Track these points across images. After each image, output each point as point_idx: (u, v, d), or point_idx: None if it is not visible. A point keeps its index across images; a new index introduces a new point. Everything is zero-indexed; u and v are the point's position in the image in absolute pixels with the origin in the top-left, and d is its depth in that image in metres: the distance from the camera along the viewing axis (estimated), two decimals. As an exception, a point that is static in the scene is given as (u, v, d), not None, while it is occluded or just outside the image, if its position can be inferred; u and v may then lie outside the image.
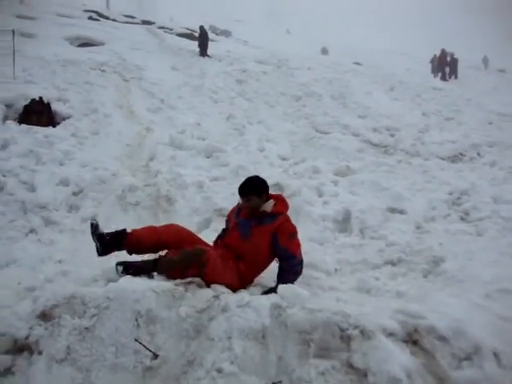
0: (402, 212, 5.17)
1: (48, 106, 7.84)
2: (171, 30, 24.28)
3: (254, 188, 3.45)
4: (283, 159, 7.41)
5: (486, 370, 2.35)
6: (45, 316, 2.71)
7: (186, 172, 5.98)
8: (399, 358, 2.35)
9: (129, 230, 3.41)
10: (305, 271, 3.63)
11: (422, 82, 16.43)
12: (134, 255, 3.44)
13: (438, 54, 22.62)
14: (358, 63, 21.36)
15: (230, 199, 5.14)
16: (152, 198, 5.30)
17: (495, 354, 2.42)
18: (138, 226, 4.73)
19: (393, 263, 4.12)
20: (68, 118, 7.88)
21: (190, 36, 22.26)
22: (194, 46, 17.45)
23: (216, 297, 2.86)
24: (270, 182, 3.83)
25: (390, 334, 2.51)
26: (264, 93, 12.02)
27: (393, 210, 5.20)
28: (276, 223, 3.34)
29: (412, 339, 2.51)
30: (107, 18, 24.53)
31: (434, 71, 22.52)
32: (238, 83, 12.86)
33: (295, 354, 2.46)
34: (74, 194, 5.32)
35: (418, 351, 2.46)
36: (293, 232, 3.43)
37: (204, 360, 2.50)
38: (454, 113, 11.76)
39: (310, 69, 15.65)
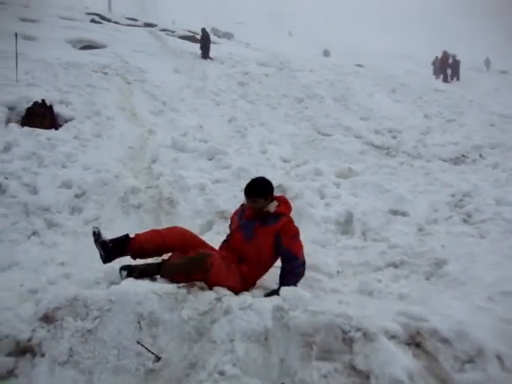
0: (404, 214, 5.17)
1: (50, 108, 7.85)
2: (173, 32, 24.31)
3: (260, 189, 3.46)
4: (285, 161, 7.41)
5: (489, 373, 2.34)
6: (47, 318, 2.71)
7: (188, 174, 5.98)
8: (401, 361, 2.34)
9: (132, 235, 3.40)
10: (307, 273, 3.63)
11: (424, 83, 16.42)
12: (138, 260, 3.44)
13: (439, 55, 22.61)
14: (359, 65, 21.35)
15: (232, 201, 5.15)
16: (154, 201, 5.30)
17: (498, 357, 2.41)
18: (141, 228, 4.77)
19: (395, 265, 4.11)
20: (70, 120, 7.89)
21: (192, 38, 22.28)
22: (196, 48, 17.47)
23: (218, 299, 2.86)
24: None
25: (393, 337, 2.50)
26: (266, 95, 12.02)
27: (395, 212, 5.20)
28: (279, 224, 3.35)
29: (414, 342, 2.50)
30: (109, 20, 24.56)
31: (436, 73, 22.51)
32: (240, 85, 12.87)
33: (297, 357, 2.46)
34: (77, 196, 5.32)
35: (420, 354, 2.45)
36: (296, 233, 3.43)
37: (206, 362, 2.50)
38: (456, 115, 11.74)
39: (311, 71, 15.65)
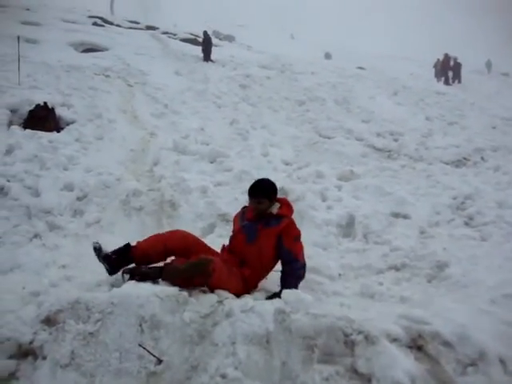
0: (405, 217, 5.17)
1: (52, 111, 7.86)
2: (175, 35, 24.36)
3: (265, 191, 3.47)
4: (287, 164, 7.41)
5: (491, 376, 2.34)
6: (49, 321, 2.71)
7: (190, 177, 5.98)
8: (403, 364, 2.33)
9: (133, 244, 3.39)
10: (308, 276, 3.63)
11: (426, 86, 16.42)
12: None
13: (441, 58, 22.61)
14: (361, 68, 21.38)
15: (234, 204, 5.15)
16: (156, 203, 5.31)
17: (501, 360, 2.41)
18: (142, 231, 4.80)
19: (397, 268, 4.11)
20: (72, 123, 7.90)
21: (193, 41, 22.33)
22: (198, 51, 17.51)
23: (220, 302, 2.86)
24: (274, 186, 3.83)
25: (395, 340, 2.50)
26: (268, 97, 12.03)
27: (397, 215, 5.20)
28: (281, 225, 3.36)
29: (416, 345, 2.50)
30: (111, 23, 24.61)
31: (438, 75, 22.50)
32: (241, 88, 12.88)
33: (299, 360, 2.45)
34: (79, 198, 5.32)
35: (422, 357, 2.45)
36: (297, 235, 3.44)
37: (208, 365, 2.49)
38: (458, 117, 11.75)
39: (313, 73, 15.67)
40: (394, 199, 5.51)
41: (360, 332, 2.48)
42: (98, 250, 3.31)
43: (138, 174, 6.43)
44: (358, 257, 4.40)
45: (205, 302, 2.85)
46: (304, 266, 3.42)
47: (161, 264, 3.34)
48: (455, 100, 14.19)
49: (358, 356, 2.41)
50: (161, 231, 4.04)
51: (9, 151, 6.02)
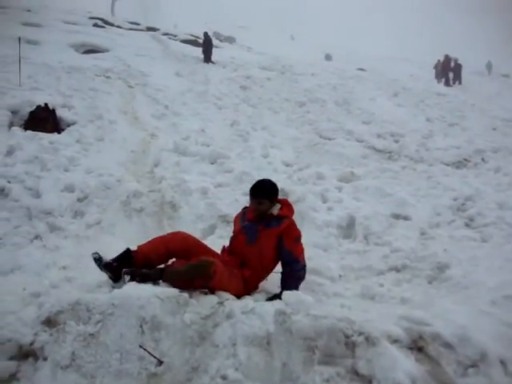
0: (406, 218, 5.17)
1: (53, 112, 7.87)
2: (175, 36, 24.39)
3: (266, 191, 3.47)
4: (287, 165, 7.41)
5: (492, 378, 2.34)
6: (50, 322, 2.71)
7: (191, 178, 5.98)
8: (404, 365, 2.33)
9: (134, 248, 3.38)
10: (309, 277, 3.63)
11: (426, 87, 16.43)
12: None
13: (441, 59, 22.63)
14: (361, 69, 21.40)
15: (234, 205, 5.15)
16: (156, 204, 5.31)
17: (502, 361, 2.41)
18: (143, 232, 4.81)
19: (397, 269, 4.11)
20: (73, 124, 7.90)
21: (194, 42, 22.36)
22: (198, 52, 17.53)
23: (220, 303, 2.86)
24: (274, 188, 3.83)
25: (395, 341, 2.50)
26: (268, 99, 12.04)
27: (397, 216, 5.20)
28: (282, 226, 3.36)
29: (417, 346, 2.50)
30: (112, 24, 24.66)
31: (438, 77, 22.51)
32: (242, 89, 12.89)
33: (300, 361, 2.45)
34: (79, 200, 5.32)
35: (423, 358, 2.45)
36: (298, 236, 3.45)
37: (209, 367, 2.49)
38: (458, 118, 11.75)
39: (313, 75, 15.69)
40: (395, 200, 5.51)
41: (361, 333, 2.48)
42: (98, 260, 3.28)
43: (138, 175, 6.42)
44: (358, 258, 4.39)
45: (205, 303, 2.86)
46: (304, 267, 3.42)
47: (162, 265, 3.34)
48: (456, 101, 14.19)
49: (359, 357, 2.41)
50: (161, 232, 4.05)
51: (9, 152, 6.02)
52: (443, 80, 21.57)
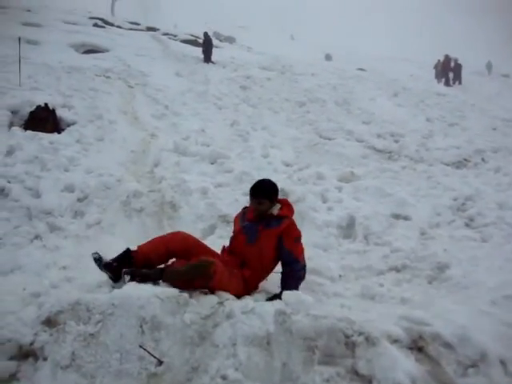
0: (406, 218, 5.17)
1: (53, 112, 7.87)
2: (175, 36, 24.39)
3: (266, 191, 3.47)
4: (287, 165, 7.41)
5: (492, 378, 2.34)
6: (50, 322, 2.71)
7: (191, 178, 5.98)
8: (404, 365, 2.33)
9: (134, 248, 3.37)
10: (309, 277, 3.63)
11: (426, 87, 16.43)
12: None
13: (441, 59, 22.62)
14: (361, 69, 21.40)
15: (234, 205, 5.15)
16: (156, 204, 5.31)
17: (502, 362, 2.41)
18: (143, 232, 4.82)
19: (397, 269, 4.11)
20: (73, 124, 7.90)
21: (194, 42, 22.36)
22: (198, 52, 17.53)
23: (220, 303, 2.87)
24: (274, 188, 3.83)
25: (395, 341, 2.50)
26: (268, 99, 12.04)
27: (397, 216, 5.20)
28: (282, 226, 3.36)
29: (417, 346, 2.50)
30: (112, 24, 24.67)
31: (438, 77, 22.50)
32: (242, 89, 12.89)
33: (300, 361, 2.45)
34: (79, 200, 5.32)
35: (423, 358, 2.45)
36: (298, 236, 3.45)
37: (209, 367, 2.49)
38: (458, 118, 11.75)
39: (313, 75, 15.69)
40: (395, 200, 5.51)
41: (361, 333, 2.48)
42: (98, 260, 3.28)
43: (138, 175, 6.42)
44: (358, 258, 4.39)
45: (205, 303, 2.86)
46: (304, 267, 3.42)
47: (162, 265, 3.34)
48: (456, 101, 14.19)
49: (359, 357, 2.41)
50: (161, 232, 4.05)
51: (9, 152, 6.02)
52: (443, 80, 21.56)
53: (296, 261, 3.36)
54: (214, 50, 17.29)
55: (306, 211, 5.11)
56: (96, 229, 4.87)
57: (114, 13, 41.50)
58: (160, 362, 2.51)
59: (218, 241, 4.28)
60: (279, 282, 3.44)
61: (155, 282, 3.10)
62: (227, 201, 5.42)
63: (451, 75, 21.55)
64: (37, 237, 4.58)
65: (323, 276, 3.90)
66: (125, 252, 3.35)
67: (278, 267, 3.50)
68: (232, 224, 3.96)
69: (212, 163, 6.89)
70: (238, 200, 5.36)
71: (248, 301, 2.90)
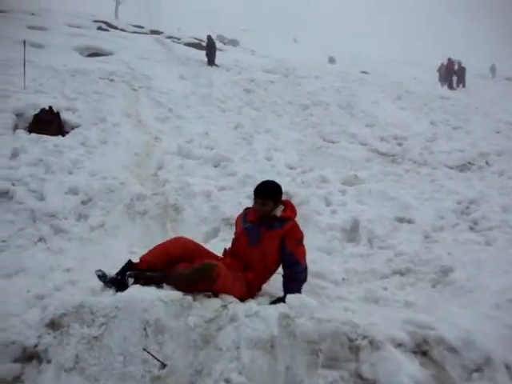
0: (410, 221, 5.16)
1: (57, 115, 7.91)
2: (179, 39, 24.48)
3: (270, 192, 3.47)
4: (291, 168, 7.41)
5: (497, 382, 2.32)
6: (53, 324, 2.72)
7: (194, 181, 5.99)
8: (408, 369, 2.32)
9: (135, 260, 3.37)
10: (312, 281, 3.63)
11: (430, 90, 16.42)
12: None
13: (444, 62, 22.59)
14: (365, 72, 21.40)
15: (238, 208, 5.13)
16: (160, 207, 5.31)
17: (507, 366, 2.39)
18: (146, 235, 4.84)
19: (401, 273, 4.10)
20: (77, 127, 7.94)
21: (197, 45, 22.44)
22: (202, 55, 17.57)
23: (224, 306, 2.86)
24: (278, 190, 3.83)
25: (399, 345, 2.49)
26: (271, 102, 12.06)
27: (401, 220, 5.19)
28: (285, 228, 3.36)
29: (421, 350, 2.49)
30: (116, 27, 24.79)
31: (441, 80, 22.47)
32: (245, 92, 12.92)
33: (304, 364, 2.45)
34: (83, 202, 5.33)
35: (427, 362, 2.43)
36: (300, 238, 3.44)
37: (212, 370, 2.49)
38: (462, 122, 11.74)
39: (317, 78, 15.71)
40: (399, 204, 5.50)
41: (365, 337, 2.47)
42: (102, 277, 3.30)
43: (142, 178, 6.44)
44: (362, 261, 4.39)
45: (209, 306, 2.86)
46: (306, 269, 3.41)
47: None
48: (459, 104, 14.18)
49: (363, 361, 2.40)
50: (165, 235, 4.06)
51: (14, 155, 6.05)
52: (447, 83, 21.53)
53: (297, 263, 3.35)
54: (217, 53, 17.35)
55: (310, 214, 5.10)
56: (100, 231, 4.88)
57: (118, 16, 41.70)
58: (163, 365, 2.51)
59: (221, 244, 4.27)
60: (281, 283, 3.43)
61: (159, 285, 3.11)
62: (231, 204, 5.42)
63: (455, 78, 21.50)
64: (41, 239, 4.58)
65: (327, 279, 3.90)
66: (127, 264, 3.34)
67: (280, 268, 3.49)
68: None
69: (215, 166, 6.90)
70: (241, 203, 5.36)
71: (252, 304, 2.90)
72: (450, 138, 9.91)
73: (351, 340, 2.48)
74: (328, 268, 4.06)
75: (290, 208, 3.54)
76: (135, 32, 24.76)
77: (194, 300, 2.87)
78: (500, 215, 5.13)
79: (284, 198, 3.73)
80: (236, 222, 3.82)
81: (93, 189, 5.51)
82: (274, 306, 2.83)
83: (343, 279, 4.00)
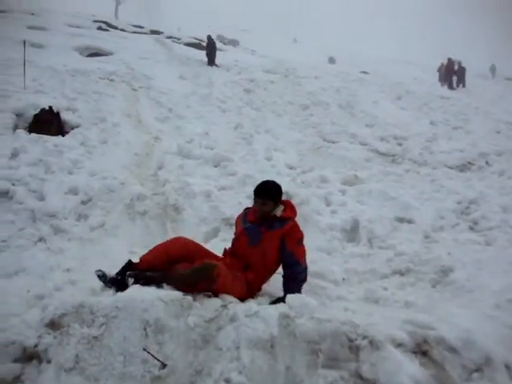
0: (410, 221, 5.16)
1: (57, 115, 7.90)
2: (179, 39, 24.47)
3: (270, 192, 3.47)
4: (291, 168, 7.41)
5: (497, 382, 2.32)
6: (53, 324, 2.72)
7: (194, 181, 5.99)
8: (408, 369, 2.32)
9: (135, 260, 3.37)
10: (312, 281, 3.62)
11: (430, 90, 16.42)
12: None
13: (444, 62, 22.58)
14: (365, 72, 21.39)
15: (238, 208, 5.13)
16: (160, 207, 5.31)
17: (507, 366, 2.39)
18: (146, 235, 4.83)
19: (401, 273, 4.10)
20: (77, 127, 7.94)
21: (197, 45, 22.43)
22: (202, 55, 17.57)
23: (224, 306, 2.86)
24: (278, 190, 3.83)
25: (399, 345, 2.49)
26: (271, 102, 12.06)
27: (401, 220, 5.20)
28: (285, 228, 3.36)
29: (421, 350, 2.48)
30: (116, 27, 24.78)
31: (441, 80, 22.46)
32: (245, 92, 12.92)
33: (304, 364, 2.45)
34: (83, 202, 5.33)
35: (427, 362, 2.43)
36: (300, 238, 3.44)
37: (212, 370, 2.49)
38: (462, 122, 11.74)
39: (317, 78, 15.71)
40: (399, 204, 5.50)
41: (365, 337, 2.47)
42: (102, 277, 3.30)
43: (142, 178, 6.44)
44: (362, 261, 4.39)
45: (209, 306, 2.86)
46: (305, 269, 3.41)
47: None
48: (459, 104, 14.18)
49: (363, 361, 2.40)
50: (165, 235, 4.05)
51: (14, 155, 6.05)
52: (447, 83, 21.52)
53: (297, 263, 3.35)
54: (217, 53, 17.34)
55: (310, 214, 5.10)
56: (100, 231, 4.88)
57: (118, 16, 41.70)
58: (163, 365, 2.51)
59: (221, 244, 4.27)
60: (281, 283, 3.43)
61: (159, 285, 3.11)
62: (230, 204, 5.42)
63: (455, 78, 21.50)
64: (41, 239, 4.58)
65: (327, 279, 3.90)
66: (127, 264, 3.34)
67: (280, 268, 3.49)
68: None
69: (215, 166, 6.90)
70: (241, 203, 5.36)
71: (252, 304, 2.90)
72: (449, 138, 9.92)
73: (351, 340, 2.48)
74: (328, 268, 4.06)
75: (290, 208, 3.54)
76: (135, 32, 24.75)
77: (194, 300, 2.87)
78: (500, 215, 5.13)
79: (284, 198, 3.72)
80: (236, 221, 3.82)
81: (93, 189, 5.51)
82: (274, 306, 2.83)
83: (343, 279, 4.00)
